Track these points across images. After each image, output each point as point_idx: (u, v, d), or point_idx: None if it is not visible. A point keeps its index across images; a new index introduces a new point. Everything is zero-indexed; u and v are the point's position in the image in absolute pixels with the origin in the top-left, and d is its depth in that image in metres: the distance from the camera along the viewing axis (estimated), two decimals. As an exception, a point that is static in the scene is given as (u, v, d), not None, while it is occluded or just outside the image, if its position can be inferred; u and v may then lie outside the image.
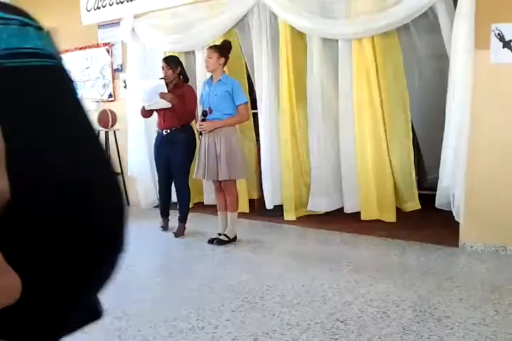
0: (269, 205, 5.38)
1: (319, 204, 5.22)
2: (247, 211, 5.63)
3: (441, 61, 4.64)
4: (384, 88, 4.83)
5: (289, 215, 5.26)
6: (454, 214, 4.24)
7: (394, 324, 2.84)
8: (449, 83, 4.16)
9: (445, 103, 4.22)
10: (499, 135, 4.01)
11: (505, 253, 4.04)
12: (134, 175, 6.27)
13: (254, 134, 5.68)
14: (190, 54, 5.86)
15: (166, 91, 4.72)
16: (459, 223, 4.21)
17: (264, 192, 5.40)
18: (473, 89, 4.03)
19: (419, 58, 5.06)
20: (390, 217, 4.99)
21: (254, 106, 5.44)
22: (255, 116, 5.50)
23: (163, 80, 4.80)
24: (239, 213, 4.80)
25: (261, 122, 5.35)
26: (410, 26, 4.63)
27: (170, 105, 4.73)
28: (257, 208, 5.73)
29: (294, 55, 5.07)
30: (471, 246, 4.18)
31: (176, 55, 5.47)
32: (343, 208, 5.17)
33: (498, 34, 3.90)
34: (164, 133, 4.89)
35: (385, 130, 4.92)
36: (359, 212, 5.08)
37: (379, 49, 4.72)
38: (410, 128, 5.01)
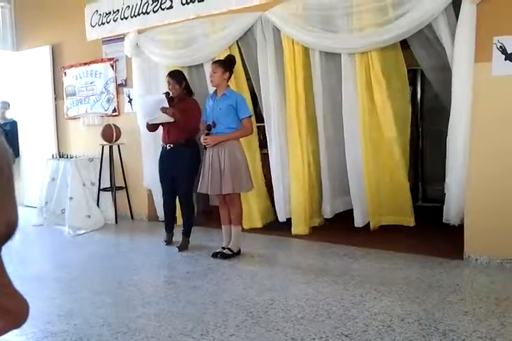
0: (281, 218, 5.39)
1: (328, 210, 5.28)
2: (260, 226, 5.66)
3: (444, 73, 4.66)
4: (388, 100, 4.85)
5: (298, 229, 5.26)
6: (444, 215, 4.33)
7: (399, 338, 2.82)
8: (452, 95, 4.18)
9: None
10: (501, 146, 4.01)
11: (511, 265, 4.02)
12: (150, 187, 6.31)
13: (258, 148, 5.67)
14: (198, 67, 5.88)
15: (167, 105, 4.74)
16: (463, 235, 4.20)
17: (276, 206, 5.40)
18: (474, 101, 4.05)
19: (423, 70, 5.09)
20: (409, 221, 5.01)
21: (257, 119, 5.47)
22: (259, 129, 5.53)
23: (164, 95, 4.83)
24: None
25: (269, 135, 5.37)
26: (413, 39, 4.64)
27: (172, 119, 4.75)
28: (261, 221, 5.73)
29: (298, 68, 5.09)
30: (476, 258, 4.16)
31: (181, 69, 5.50)
32: (353, 221, 5.15)
33: (500, 47, 3.92)
34: (168, 147, 4.90)
35: (391, 141, 4.95)
36: (364, 225, 5.09)
37: (382, 62, 4.74)
38: (408, 142, 5.05)
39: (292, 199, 5.28)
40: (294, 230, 5.27)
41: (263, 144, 5.79)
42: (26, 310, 0.67)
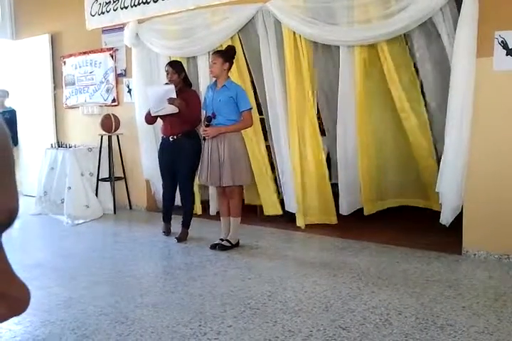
0: (289, 209, 5.38)
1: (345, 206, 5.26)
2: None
3: (443, 67, 4.64)
4: (393, 94, 4.82)
5: (300, 221, 5.26)
6: (441, 216, 4.34)
7: (396, 331, 2.83)
8: (450, 90, 4.16)
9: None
10: (501, 142, 4.01)
11: (509, 261, 4.03)
12: (150, 178, 6.31)
13: (263, 139, 5.61)
14: (194, 59, 5.86)
15: (175, 96, 4.71)
16: (461, 230, 4.21)
17: (285, 198, 5.39)
18: (475, 96, 4.04)
19: (423, 64, 5.06)
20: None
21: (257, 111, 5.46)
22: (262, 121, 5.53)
23: (172, 85, 4.79)
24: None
25: (275, 127, 5.34)
26: (414, 32, 4.61)
27: (177, 110, 4.72)
28: (260, 214, 5.73)
29: (299, 60, 5.05)
30: (474, 253, 4.17)
31: (180, 60, 5.47)
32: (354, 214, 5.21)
33: (502, 42, 3.90)
34: (171, 139, 4.88)
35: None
36: (363, 219, 5.11)
37: (385, 55, 4.71)
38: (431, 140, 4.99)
39: (295, 191, 5.27)
40: (299, 222, 5.26)
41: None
42: (28, 296, 0.66)
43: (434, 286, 3.55)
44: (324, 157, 5.24)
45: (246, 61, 5.48)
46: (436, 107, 4.77)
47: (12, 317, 0.66)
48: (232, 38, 5.39)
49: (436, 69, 4.70)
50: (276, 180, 5.58)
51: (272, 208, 5.55)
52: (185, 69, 5.21)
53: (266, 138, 5.57)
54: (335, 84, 5.12)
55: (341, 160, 5.11)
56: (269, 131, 5.46)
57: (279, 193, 5.55)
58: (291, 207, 5.34)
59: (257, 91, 5.50)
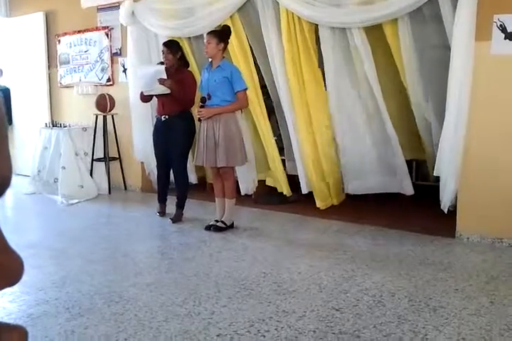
0: (304, 190, 5.36)
1: (356, 187, 5.21)
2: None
3: (444, 51, 4.61)
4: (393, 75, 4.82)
5: (320, 203, 5.26)
6: (441, 203, 4.32)
7: (389, 313, 2.85)
8: (449, 74, 4.14)
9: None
10: (497, 126, 4.00)
11: (501, 244, 4.06)
12: (140, 159, 6.31)
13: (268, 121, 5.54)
14: (198, 38, 5.69)
15: (165, 77, 4.68)
16: (455, 214, 4.23)
17: (300, 179, 5.37)
18: (473, 80, 4.02)
19: (423, 47, 5.02)
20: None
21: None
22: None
23: (162, 66, 4.77)
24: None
25: (283, 108, 5.27)
26: (414, 15, 4.57)
27: (168, 91, 4.70)
28: (255, 196, 5.74)
29: (296, 41, 5.00)
30: (467, 237, 4.20)
31: (179, 39, 5.39)
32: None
33: (500, 25, 3.88)
34: (163, 119, 4.86)
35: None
36: (359, 201, 5.12)
37: (384, 37, 4.67)
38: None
39: (307, 173, 5.27)
40: (318, 204, 5.26)
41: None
42: (21, 267, 0.66)
43: (427, 269, 3.57)
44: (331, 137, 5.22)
45: (248, 41, 5.39)
46: (430, 88, 4.74)
47: (5, 287, 0.65)
48: (231, 17, 5.30)
49: (432, 52, 4.67)
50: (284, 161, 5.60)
51: (285, 187, 5.53)
52: (188, 49, 5.14)
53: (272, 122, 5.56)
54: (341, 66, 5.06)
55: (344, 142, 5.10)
56: (276, 112, 5.43)
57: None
58: (303, 188, 5.32)
59: (262, 71, 5.43)
